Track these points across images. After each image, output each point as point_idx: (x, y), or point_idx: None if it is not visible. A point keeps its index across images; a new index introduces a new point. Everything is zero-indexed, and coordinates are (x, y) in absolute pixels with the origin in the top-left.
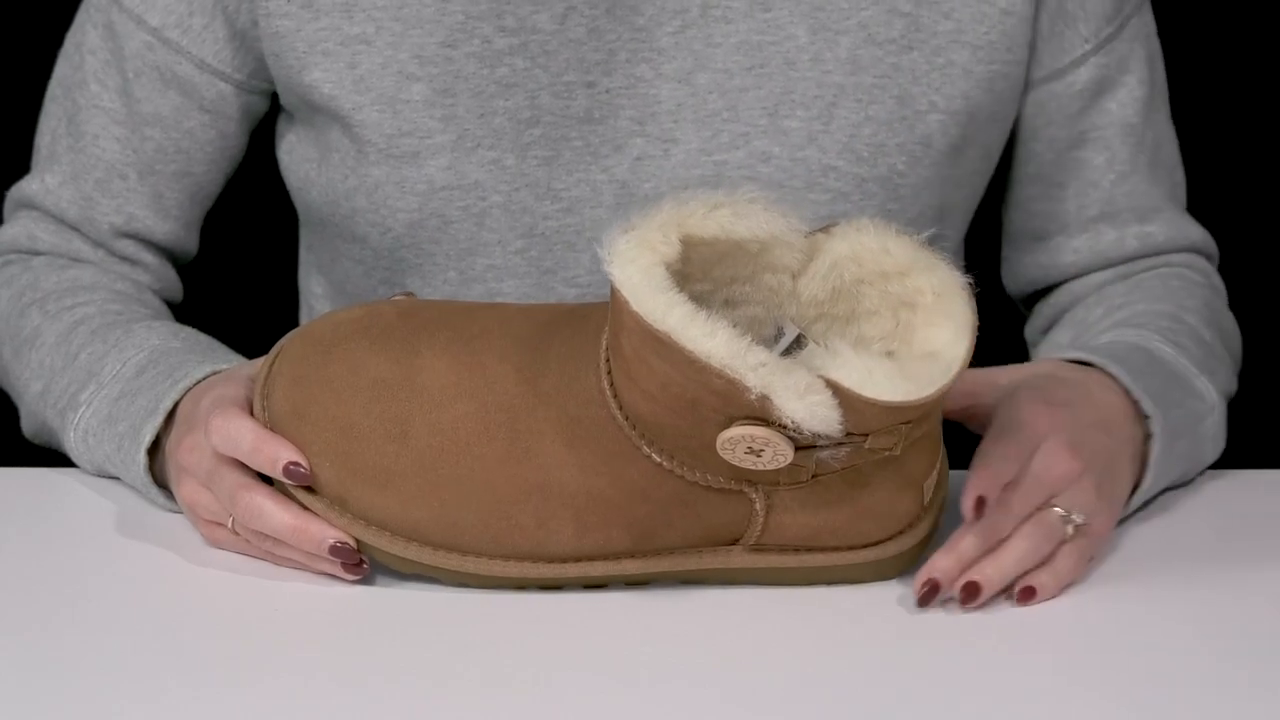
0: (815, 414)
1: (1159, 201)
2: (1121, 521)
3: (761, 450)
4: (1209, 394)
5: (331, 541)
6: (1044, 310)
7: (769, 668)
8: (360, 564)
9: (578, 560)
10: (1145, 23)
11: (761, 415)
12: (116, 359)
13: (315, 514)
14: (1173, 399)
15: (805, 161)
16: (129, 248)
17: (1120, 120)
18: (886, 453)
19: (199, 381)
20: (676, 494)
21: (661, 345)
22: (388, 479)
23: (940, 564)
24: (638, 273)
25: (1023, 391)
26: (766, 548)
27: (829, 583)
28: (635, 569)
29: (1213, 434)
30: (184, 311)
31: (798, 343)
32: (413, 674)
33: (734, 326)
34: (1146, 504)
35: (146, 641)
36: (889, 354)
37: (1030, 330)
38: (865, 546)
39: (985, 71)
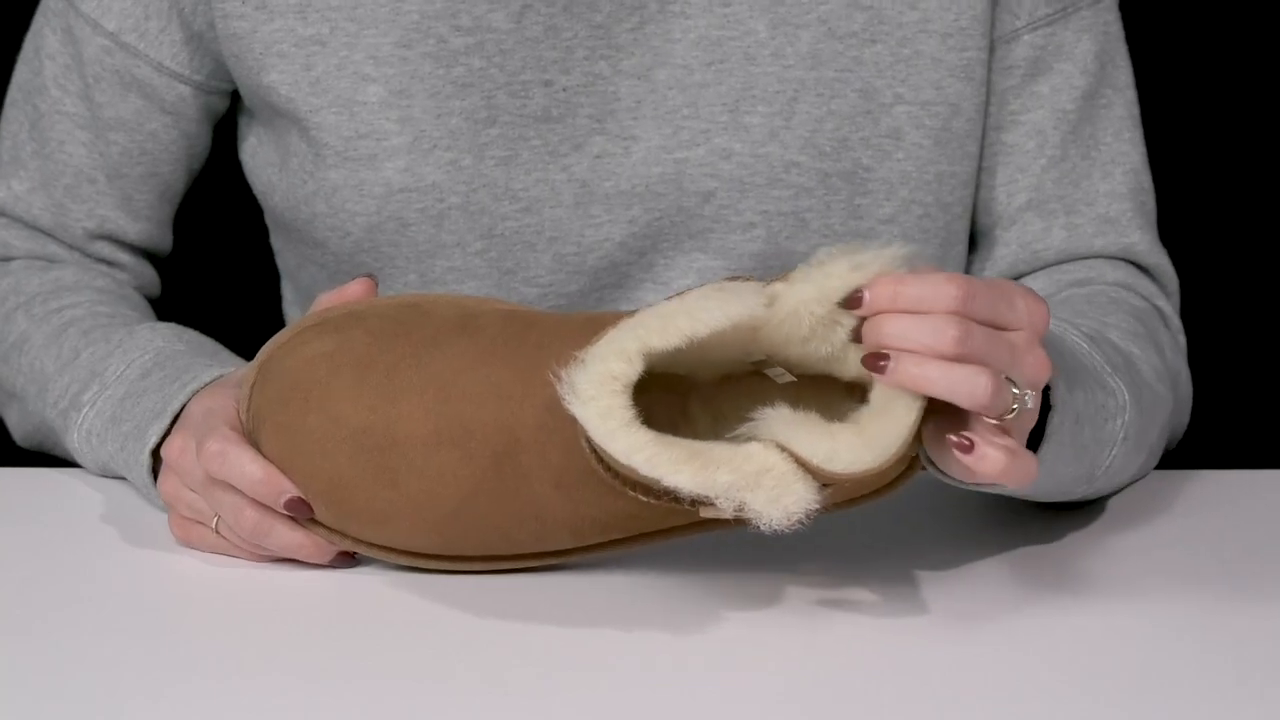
0: (791, 514)
1: (1092, 195)
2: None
3: (745, 520)
4: (1120, 393)
5: (336, 554)
6: None
7: (768, 666)
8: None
9: (582, 550)
10: (1103, 21)
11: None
12: (121, 360)
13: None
14: (1077, 380)
15: (767, 158)
16: (104, 249)
17: (1052, 105)
18: None
19: (206, 385)
20: (669, 512)
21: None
22: (384, 520)
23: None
24: (596, 415)
25: None
26: None
27: None
28: (639, 546)
29: (1120, 439)
30: (166, 309)
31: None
32: (413, 674)
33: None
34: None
35: (146, 641)
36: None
37: None
38: (862, 497)
39: (959, 59)
